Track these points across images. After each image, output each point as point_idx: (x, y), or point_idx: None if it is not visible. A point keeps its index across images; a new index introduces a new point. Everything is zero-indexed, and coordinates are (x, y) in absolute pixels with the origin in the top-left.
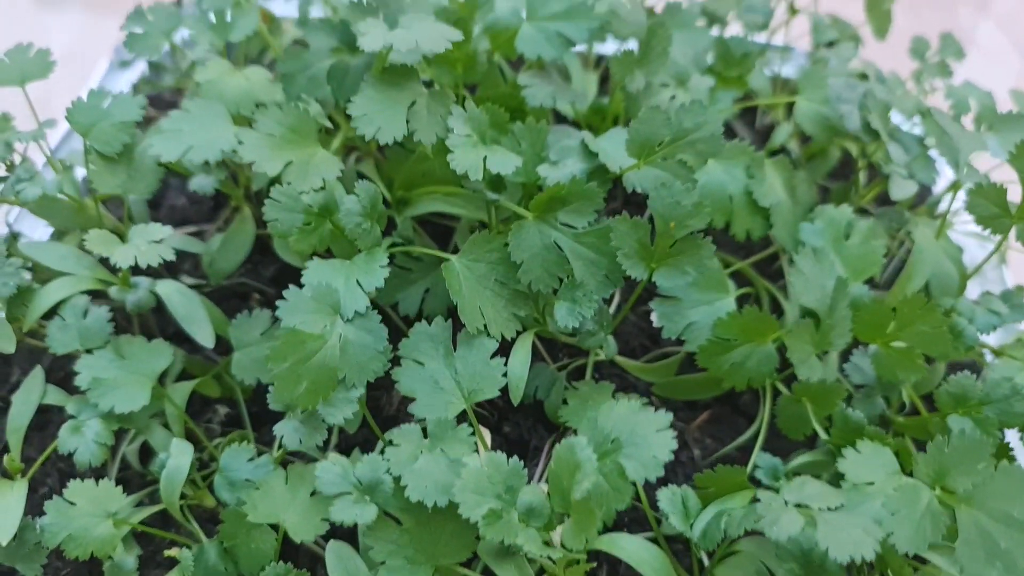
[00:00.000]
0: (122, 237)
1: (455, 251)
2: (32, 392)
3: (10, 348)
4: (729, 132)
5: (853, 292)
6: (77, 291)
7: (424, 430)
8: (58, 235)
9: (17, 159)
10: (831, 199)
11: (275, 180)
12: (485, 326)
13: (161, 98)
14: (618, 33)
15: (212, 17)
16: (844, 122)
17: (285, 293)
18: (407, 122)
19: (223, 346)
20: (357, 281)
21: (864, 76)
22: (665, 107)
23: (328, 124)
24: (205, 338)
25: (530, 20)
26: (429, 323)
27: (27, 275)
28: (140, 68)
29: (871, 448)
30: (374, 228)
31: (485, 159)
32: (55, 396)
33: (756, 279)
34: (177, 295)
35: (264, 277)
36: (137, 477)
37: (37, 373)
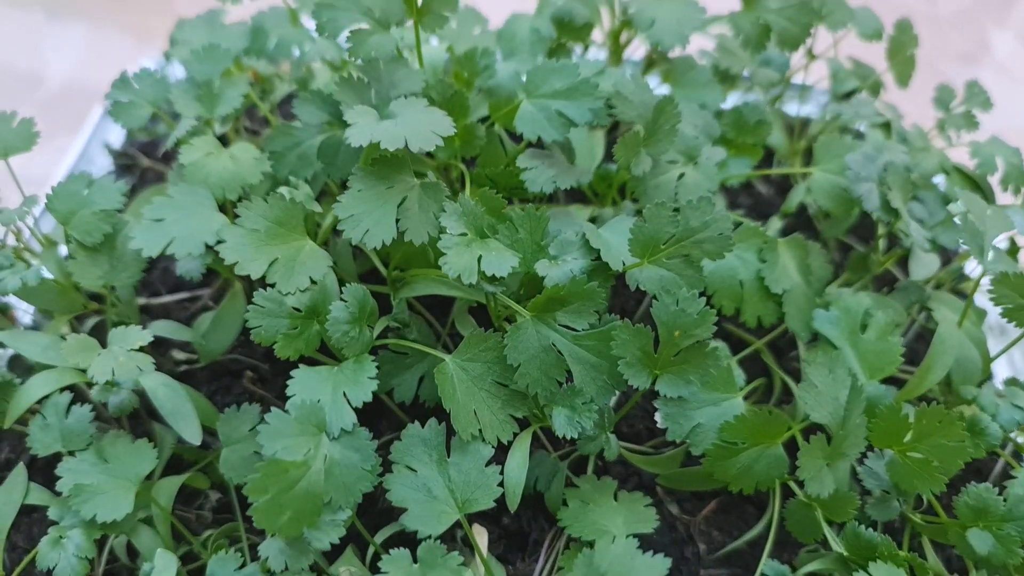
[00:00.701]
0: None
1: (452, 329)
2: (14, 491)
3: None
4: (746, 186)
5: (868, 391)
6: (59, 387)
7: (415, 549)
8: (43, 313)
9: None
10: (848, 267)
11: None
12: (480, 431)
13: (156, 144)
14: (623, 115)
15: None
16: (863, 202)
17: (267, 417)
18: (397, 220)
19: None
20: (344, 394)
21: (887, 126)
22: (672, 186)
23: (318, 209)
24: (192, 435)
25: (530, 97)
26: (425, 407)
27: (3, 370)
28: None
29: (885, 572)
30: (363, 333)
31: (480, 259)
32: (38, 496)
33: (768, 360)
34: (163, 389)
35: (258, 352)
36: (126, 571)
37: (20, 471)
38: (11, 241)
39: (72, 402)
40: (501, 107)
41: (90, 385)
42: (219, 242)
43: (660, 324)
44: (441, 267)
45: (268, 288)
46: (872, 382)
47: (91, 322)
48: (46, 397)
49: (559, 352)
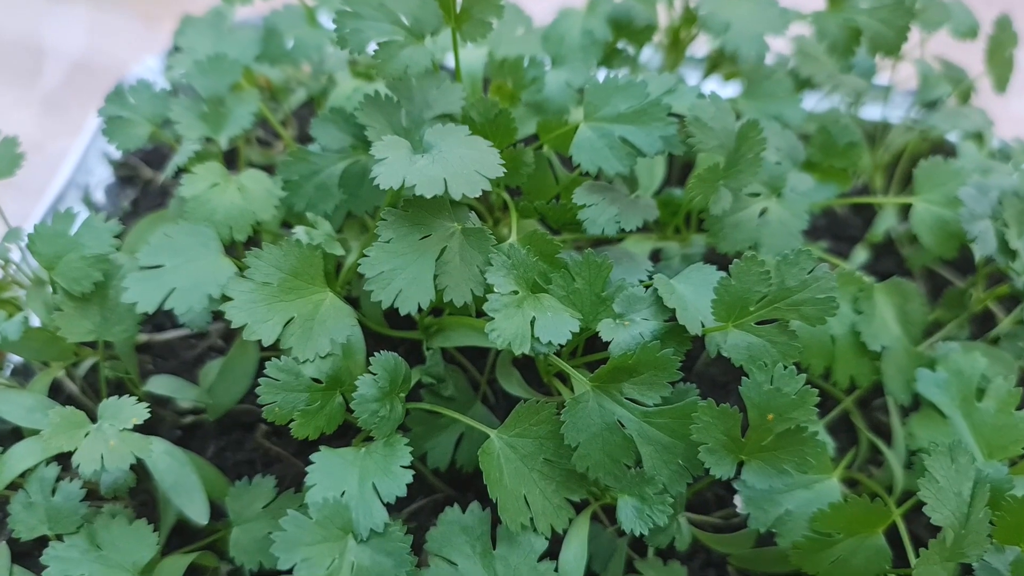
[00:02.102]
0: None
1: (491, 374)
2: None
3: None
4: (828, 214)
5: (990, 474)
6: (45, 458)
7: None
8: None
9: None
10: (943, 303)
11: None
12: (532, 519)
13: (160, 152)
14: (702, 145)
15: (203, 106)
16: (977, 246)
17: (283, 522)
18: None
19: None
20: (373, 486)
21: (979, 137)
22: (753, 224)
23: (340, 252)
24: (198, 513)
25: (588, 120)
26: (462, 474)
27: None
28: None
29: None
30: (394, 410)
31: (533, 322)
32: None
33: (859, 422)
34: (164, 460)
35: None
36: None
37: (2, 554)
38: None
39: (60, 476)
40: (552, 128)
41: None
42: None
43: (751, 405)
44: (488, 333)
45: (282, 355)
46: (991, 463)
47: (87, 364)
48: (31, 470)
49: (626, 431)
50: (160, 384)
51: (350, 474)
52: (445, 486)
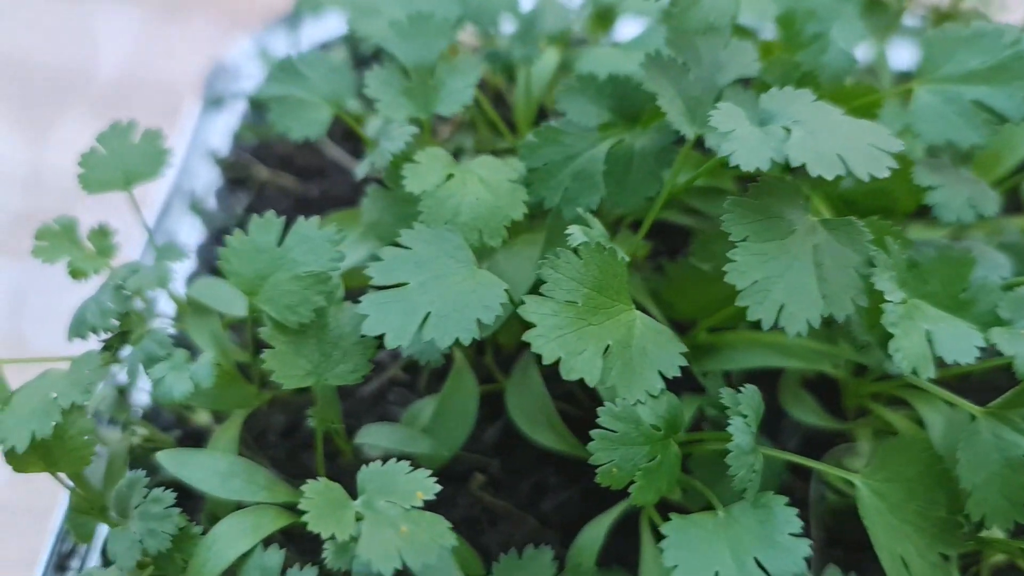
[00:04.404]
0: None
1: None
2: None
3: None
4: None
5: None
6: (260, 539)
7: None
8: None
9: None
10: None
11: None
12: None
13: (270, 149)
14: None
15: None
16: None
17: None
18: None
19: None
20: (757, 562)
21: None
22: None
23: (627, 258)
24: None
25: (925, 82)
26: None
27: (177, 520)
28: (239, 109)
29: None
30: (758, 461)
31: (930, 338)
32: None
33: None
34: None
35: (484, 443)
36: None
37: None
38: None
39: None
40: (853, 95)
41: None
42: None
43: None
44: (892, 354)
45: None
46: None
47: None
48: (245, 555)
49: None
50: (376, 435)
51: (718, 548)
52: None
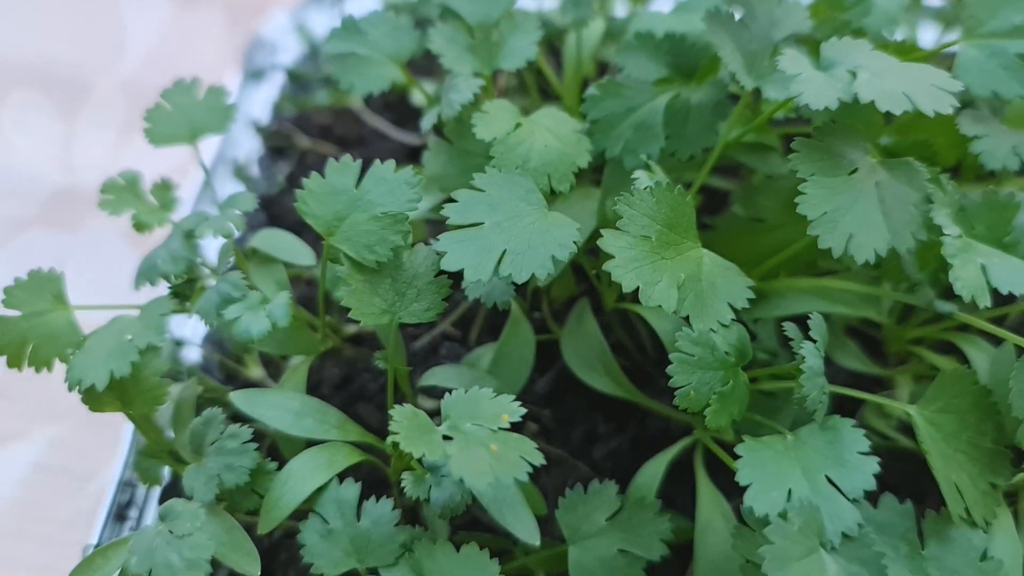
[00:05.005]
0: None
1: None
2: None
3: (255, 569)
4: None
5: None
6: (334, 473)
7: None
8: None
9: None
10: None
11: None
12: (967, 510)
13: (310, 120)
14: None
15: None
16: None
17: (770, 533)
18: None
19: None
20: (828, 479)
21: None
22: None
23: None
24: (527, 533)
25: (970, 38)
26: None
27: (255, 454)
28: (278, 81)
29: None
30: (824, 385)
31: (984, 271)
32: None
33: None
34: None
35: (536, 394)
36: None
37: None
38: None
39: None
40: (897, 54)
41: (385, 461)
42: (586, 252)
43: None
44: (953, 283)
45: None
46: None
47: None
48: (320, 489)
49: None
50: (443, 376)
51: (790, 467)
52: None
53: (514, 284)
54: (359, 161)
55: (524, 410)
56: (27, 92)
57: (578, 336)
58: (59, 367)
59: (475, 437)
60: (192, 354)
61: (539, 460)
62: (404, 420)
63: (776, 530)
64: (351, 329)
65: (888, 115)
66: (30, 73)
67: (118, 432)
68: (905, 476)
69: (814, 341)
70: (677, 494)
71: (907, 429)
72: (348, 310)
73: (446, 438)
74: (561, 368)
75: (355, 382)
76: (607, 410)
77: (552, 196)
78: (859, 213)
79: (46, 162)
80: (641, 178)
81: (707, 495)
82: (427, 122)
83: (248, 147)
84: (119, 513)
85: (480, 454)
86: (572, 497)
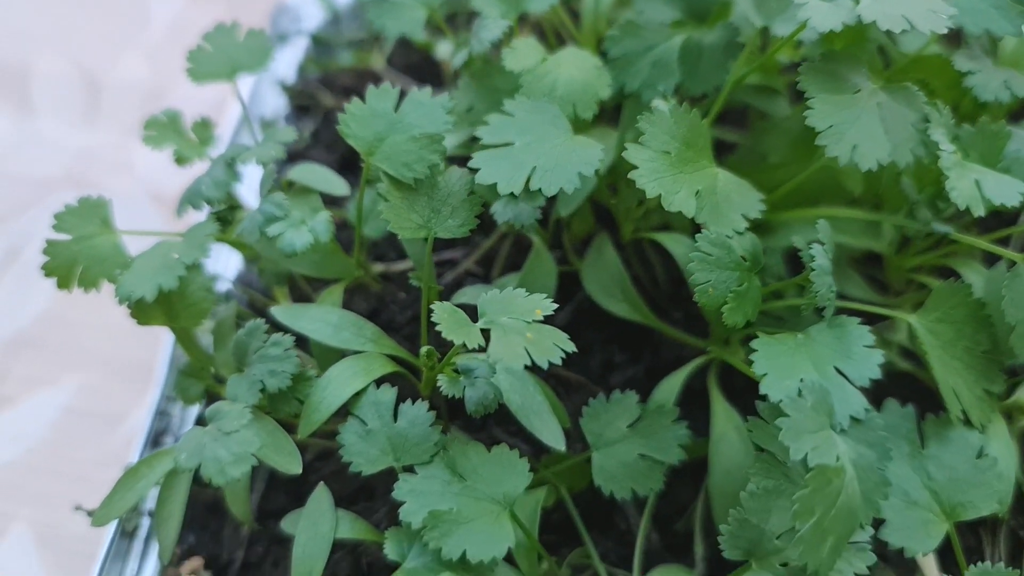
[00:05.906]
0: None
1: None
2: (321, 522)
3: (297, 468)
4: None
5: None
6: (371, 380)
7: None
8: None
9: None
10: None
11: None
12: (964, 412)
13: (333, 81)
14: None
15: None
16: None
17: (786, 406)
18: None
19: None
20: (837, 370)
21: None
22: None
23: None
24: (553, 438)
25: None
26: None
27: (297, 360)
28: (302, 45)
29: None
30: (832, 284)
31: (979, 184)
32: (349, 527)
33: None
34: (507, 377)
35: (556, 323)
36: None
37: (323, 496)
38: (248, 193)
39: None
40: None
41: (414, 372)
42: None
43: None
44: (949, 192)
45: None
46: None
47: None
48: (359, 393)
49: None
50: (473, 295)
51: (801, 360)
52: None
53: (539, 210)
54: (398, 87)
55: (556, 304)
56: (54, 63)
57: (598, 265)
58: (89, 317)
59: (511, 328)
60: (222, 285)
61: (571, 347)
62: (445, 313)
63: (792, 404)
64: (379, 268)
65: (887, 58)
66: (57, 48)
67: (146, 381)
68: (905, 400)
69: (822, 244)
70: (692, 418)
71: (908, 354)
72: (378, 250)
73: (483, 332)
74: (580, 300)
75: (383, 315)
76: (623, 341)
77: (576, 123)
78: (863, 127)
79: (71, 125)
80: (659, 104)
81: (721, 411)
82: (458, 60)
83: (274, 105)
84: (155, 440)
85: (516, 340)
86: (595, 406)
